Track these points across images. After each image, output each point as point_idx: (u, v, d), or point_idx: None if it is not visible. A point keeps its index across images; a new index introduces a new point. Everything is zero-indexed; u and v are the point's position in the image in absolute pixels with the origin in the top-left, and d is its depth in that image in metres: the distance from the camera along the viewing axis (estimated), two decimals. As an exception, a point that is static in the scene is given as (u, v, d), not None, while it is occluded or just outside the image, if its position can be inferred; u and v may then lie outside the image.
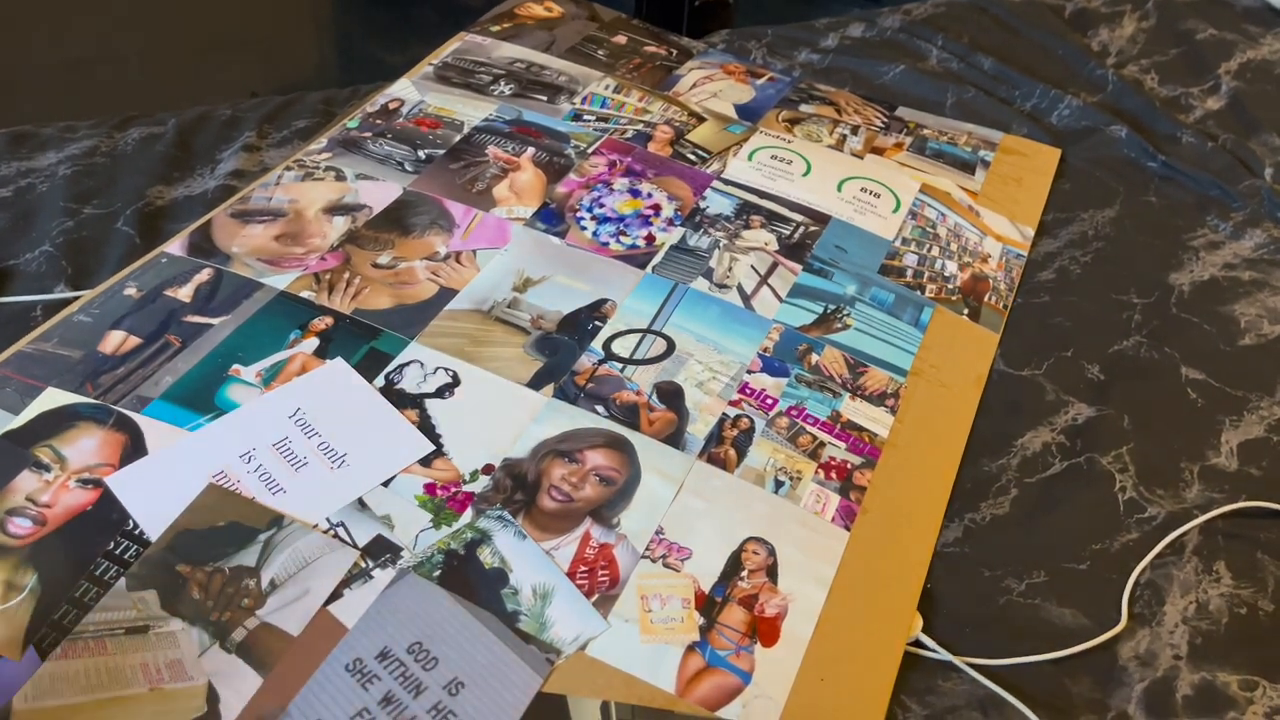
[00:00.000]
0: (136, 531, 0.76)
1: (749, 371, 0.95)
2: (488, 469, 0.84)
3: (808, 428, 0.91)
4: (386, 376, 0.90)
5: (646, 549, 0.80)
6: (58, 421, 0.83)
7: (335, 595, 0.74)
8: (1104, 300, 1.09)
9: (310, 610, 0.73)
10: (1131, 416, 0.96)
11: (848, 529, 0.84)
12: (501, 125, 1.22)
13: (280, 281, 0.98)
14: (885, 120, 1.32)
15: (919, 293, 1.07)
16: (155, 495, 0.78)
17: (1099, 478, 0.91)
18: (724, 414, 0.91)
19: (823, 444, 0.90)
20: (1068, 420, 0.96)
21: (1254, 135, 1.33)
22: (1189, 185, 1.25)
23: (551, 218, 1.10)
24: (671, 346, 0.97)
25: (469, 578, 0.76)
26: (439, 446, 0.85)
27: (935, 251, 1.12)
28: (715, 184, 1.17)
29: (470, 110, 1.24)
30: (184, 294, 0.96)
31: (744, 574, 0.80)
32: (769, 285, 1.05)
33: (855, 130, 1.29)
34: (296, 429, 0.84)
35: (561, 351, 0.95)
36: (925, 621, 0.79)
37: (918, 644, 0.78)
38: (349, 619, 0.73)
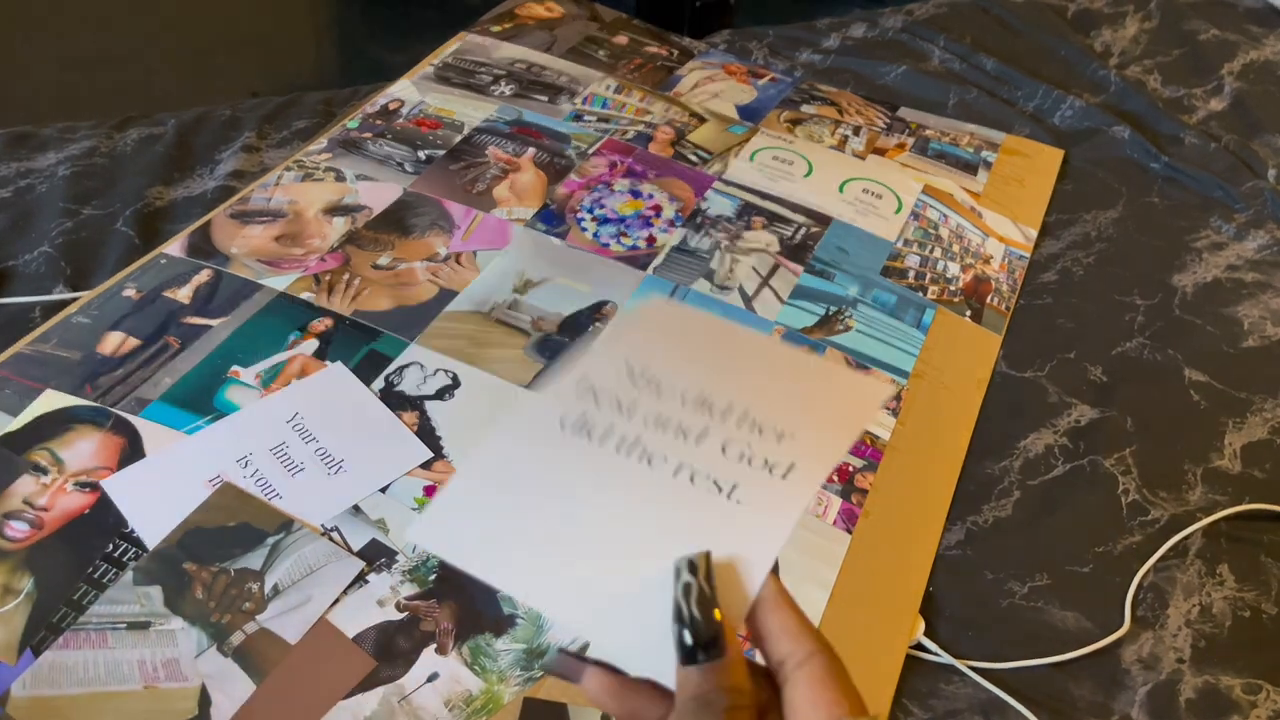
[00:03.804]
0: (135, 535, 0.76)
1: (750, 373, 0.95)
2: (487, 471, 0.84)
3: (809, 430, 0.91)
4: (386, 378, 0.90)
5: (647, 552, 0.80)
6: (56, 424, 0.83)
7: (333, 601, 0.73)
8: (1107, 302, 1.09)
9: (310, 619, 0.72)
10: (1134, 418, 0.96)
11: (849, 532, 0.84)
12: (502, 126, 1.22)
13: (280, 283, 0.98)
14: (887, 121, 1.31)
15: (921, 294, 1.06)
16: (151, 499, 0.78)
17: (1102, 480, 0.91)
18: (725, 416, 0.91)
19: (824, 446, 0.89)
20: (1070, 422, 0.95)
21: (1257, 136, 1.33)
22: (1192, 186, 1.24)
23: (552, 219, 1.10)
24: (672, 348, 0.96)
25: (464, 581, 0.76)
26: (439, 449, 0.85)
27: (937, 253, 1.12)
28: (716, 185, 1.17)
29: (470, 111, 1.24)
30: (183, 295, 0.96)
31: (745, 577, 0.79)
32: (770, 286, 1.04)
33: (857, 131, 1.28)
34: (294, 434, 0.84)
35: (562, 353, 0.95)
36: (927, 624, 0.78)
37: (919, 647, 0.77)
38: (346, 627, 0.72)
